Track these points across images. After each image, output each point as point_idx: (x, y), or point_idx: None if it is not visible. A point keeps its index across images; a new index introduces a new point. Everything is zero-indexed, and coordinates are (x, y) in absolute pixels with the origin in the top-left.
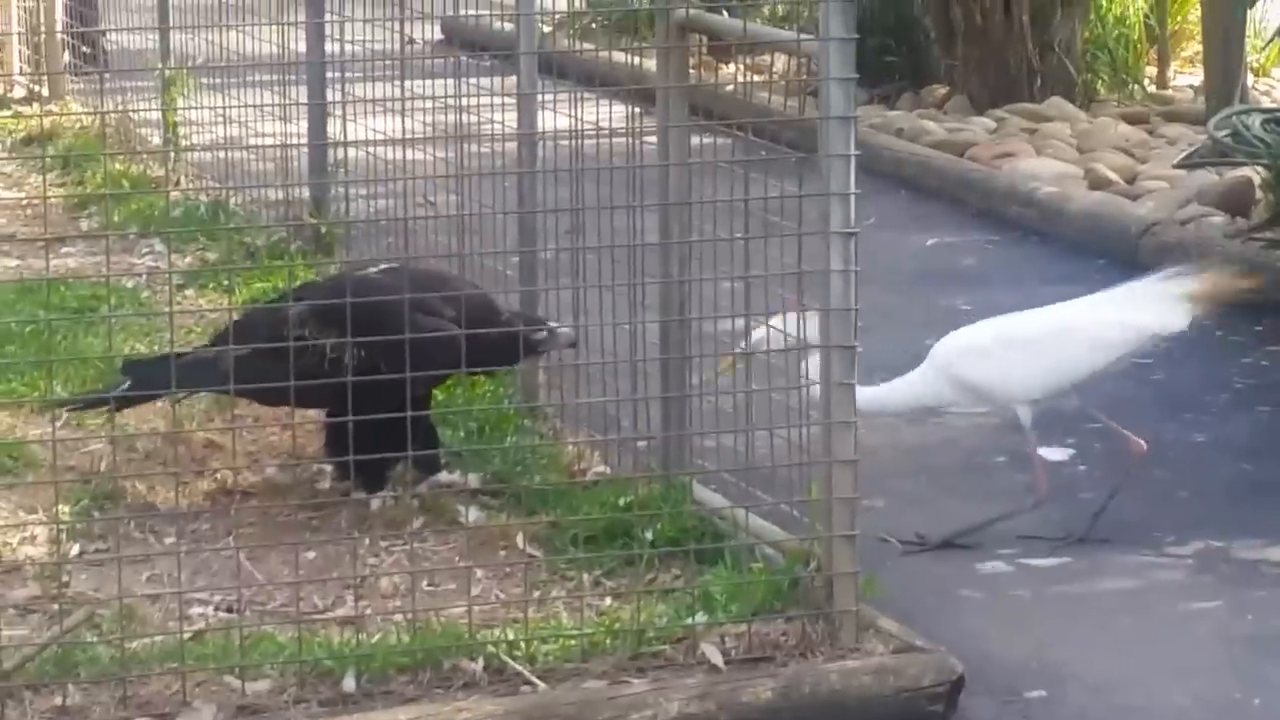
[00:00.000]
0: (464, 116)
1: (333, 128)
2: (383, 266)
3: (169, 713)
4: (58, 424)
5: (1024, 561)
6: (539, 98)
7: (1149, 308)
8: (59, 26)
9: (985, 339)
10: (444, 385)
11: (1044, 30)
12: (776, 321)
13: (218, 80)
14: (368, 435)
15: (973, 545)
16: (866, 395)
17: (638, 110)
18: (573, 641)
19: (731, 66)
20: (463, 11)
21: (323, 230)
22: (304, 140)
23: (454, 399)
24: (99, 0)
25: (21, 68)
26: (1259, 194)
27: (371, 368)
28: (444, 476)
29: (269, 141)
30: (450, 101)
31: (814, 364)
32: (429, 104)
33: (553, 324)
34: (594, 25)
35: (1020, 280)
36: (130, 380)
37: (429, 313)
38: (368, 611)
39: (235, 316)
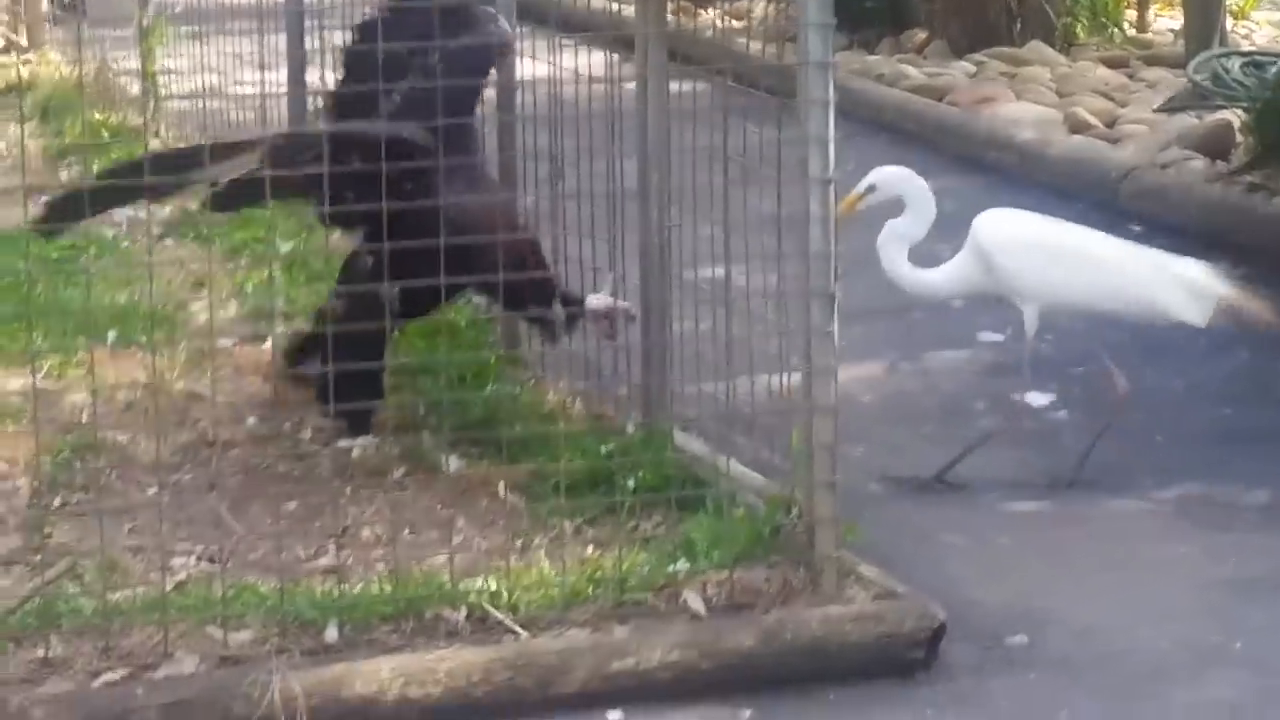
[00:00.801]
0: None
1: (312, 75)
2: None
3: (151, 663)
4: (38, 375)
5: (1005, 507)
6: (518, 44)
7: (1182, 291)
8: None
9: (1028, 231)
10: (426, 333)
11: None
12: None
13: (196, 29)
14: (358, 374)
15: (962, 485)
16: (918, 278)
17: (617, 57)
18: (555, 590)
19: (710, 12)
20: None
21: None
22: (283, 89)
23: (435, 347)
24: None
25: (1, 17)
26: (1239, 137)
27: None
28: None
29: (248, 90)
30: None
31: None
32: None
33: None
34: None
35: None
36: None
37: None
38: (349, 561)
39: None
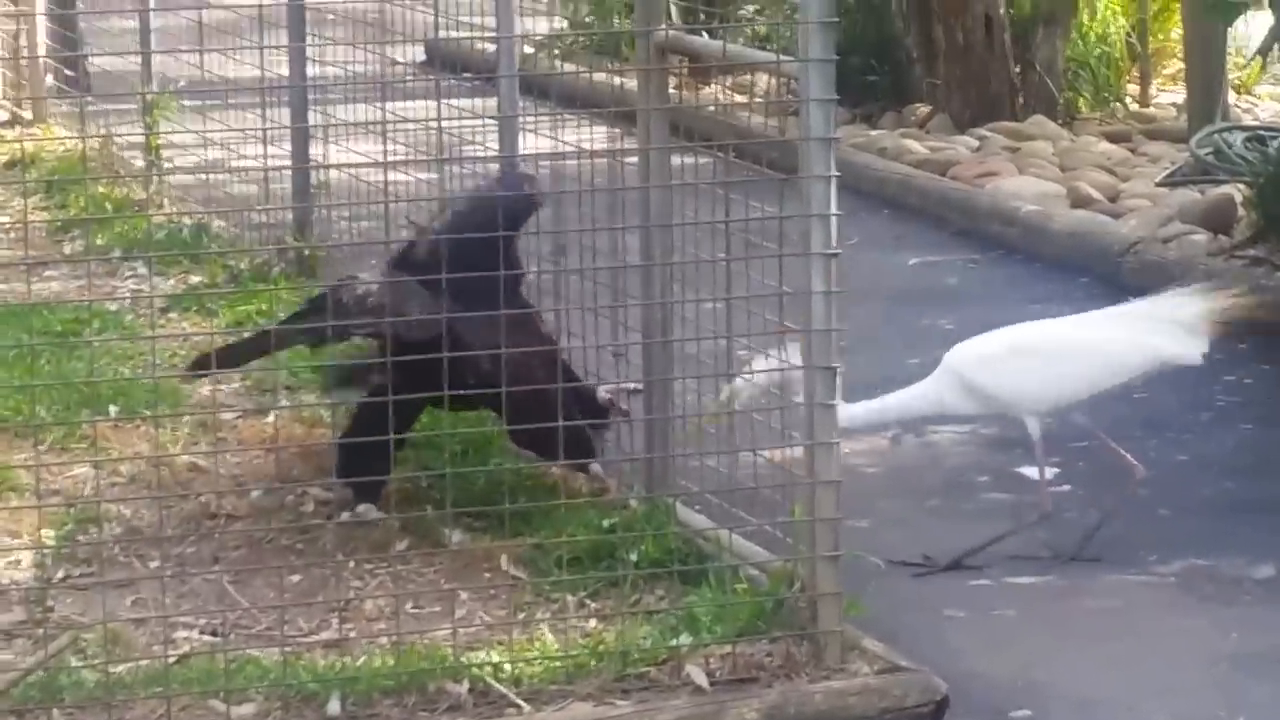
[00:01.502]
0: (445, 138)
1: (315, 150)
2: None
3: None
4: (41, 448)
5: (1008, 580)
6: (520, 119)
7: (1167, 334)
8: (41, 50)
9: (999, 347)
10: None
11: (1026, 49)
12: (760, 363)
13: (200, 103)
14: (378, 446)
15: (981, 566)
16: (879, 404)
17: (619, 131)
18: (557, 663)
19: (712, 87)
20: (444, 33)
21: (305, 253)
22: (286, 163)
23: (437, 422)
24: (81, 23)
25: (4, 91)
26: (1241, 211)
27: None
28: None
29: (251, 164)
30: (432, 124)
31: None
32: (411, 126)
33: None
34: (575, 47)
35: (1003, 299)
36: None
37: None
38: (352, 634)
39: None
